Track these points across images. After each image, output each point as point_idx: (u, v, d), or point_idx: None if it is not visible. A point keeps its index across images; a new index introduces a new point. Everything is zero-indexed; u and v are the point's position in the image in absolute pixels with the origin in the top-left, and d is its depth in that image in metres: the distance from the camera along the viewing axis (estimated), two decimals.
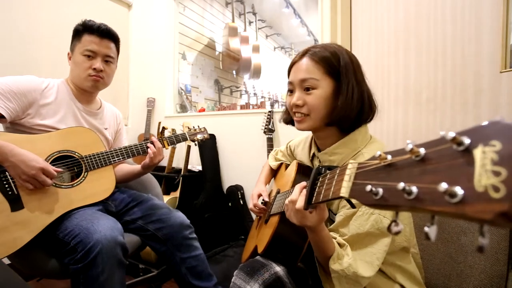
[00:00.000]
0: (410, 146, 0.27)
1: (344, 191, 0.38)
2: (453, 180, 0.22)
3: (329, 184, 0.46)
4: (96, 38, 1.12)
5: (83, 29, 1.12)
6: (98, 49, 1.12)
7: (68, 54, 1.17)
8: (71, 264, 0.91)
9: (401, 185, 0.26)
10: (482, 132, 0.22)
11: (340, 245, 0.68)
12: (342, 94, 0.75)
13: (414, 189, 0.25)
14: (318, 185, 0.52)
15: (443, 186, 0.22)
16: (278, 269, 0.74)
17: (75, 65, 1.13)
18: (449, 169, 0.23)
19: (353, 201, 0.48)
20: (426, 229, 0.25)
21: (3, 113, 0.97)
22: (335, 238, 0.69)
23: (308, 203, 0.54)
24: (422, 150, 0.26)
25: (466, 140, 0.22)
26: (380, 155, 0.31)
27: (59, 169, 1.00)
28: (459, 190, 0.21)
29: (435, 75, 1.45)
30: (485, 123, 0.22)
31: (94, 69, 1.12)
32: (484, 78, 1.31)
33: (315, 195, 0.52)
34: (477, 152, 0.21)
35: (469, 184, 0.21)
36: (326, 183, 0.48)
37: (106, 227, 0.93)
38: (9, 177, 0.93)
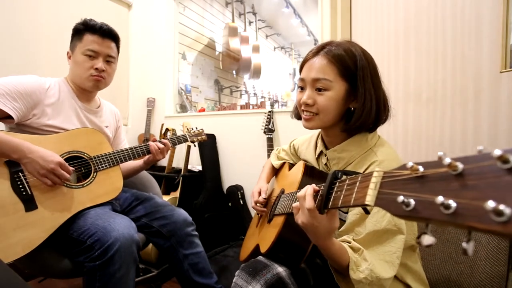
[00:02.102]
0: (448, 160, 0.27)
1: (370, 199, 0.37)
2: (499, 198, 0.22)
3: (349, 190, 0.45)
4: (98, 38, 1.11)
5: (85, 28, 1.11)
6: (100, 49, 1.12)
7: (68, 53, 1.16)
8: (87, 262, 0.93)
9: (440, 198, 0.26)
10: None
11: (355, 249, 0.66)
12: (359, 100, 0.73)
13: (453, 203, 0.25)
14: (335, 189, 0.51)
15: (490, 204, 0.22)
16: (281, 269, 0.74)
17: (76, 64, 1.13)
18: (493, 186, 0.23)
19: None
20: (464, 245, 0.25)
21: (11, 114, 0.98)
22: (349, 243, 0.68)
23: (324, 207, 0.53)
24: (460, 165, 0.26)
25: None
26: (412, 166, 0.31)
27: (72, 168, 1.01)
28: (505, 209, 0.21)
29: (435, 75, 1.45)
30: None
31: (96, 69, 1.12)
32: (484, 78, 1.32)
33: (331, 199, 0.51)
34: None
35: None
36: (346, 188, 0.47)
37: (123, 226, 0.96)
38: (22, 177, 0.94)
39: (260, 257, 0.80)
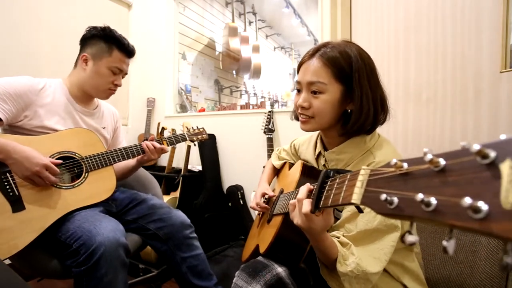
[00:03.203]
0: (429, 156, 0.26)
1: (356, 198, 0.37)
2: (477, 195, 0.21)
3: (338, 189, 0.45)
4: (125, 57, 1.19)
5: (114, 42, 1.15)
6: (125, 68, 1.20)
7: (84, 56, 1.15)
8: (74, 266, 0.92)
9: (420, 196, 0.25)
10: (510, 145, 0.21)
11: (343, 244, 0.67)
12: (356, 103, 0.73)
13: (433, 201, 0.24)
14: (326, 188, 0.51)
15: (467, 201, 0.21)
16: (280, 270, 0.74)
17: (98, 75, 1.15)
18: (472, 182, 0.22)
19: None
20: (444, 243, 0.24)
21: (0, 115, 0.97)
22: (338, 238, 0.68)
23: (316, 206, 0.53)
24: (442, 161, 0.25)
25: (492, 153, 0.21)
26: (396, 163, 0.30)
27: (58, 167, 1.00)
28: (483, 206, 0.21)
29: (435, 75, 1.45)
30: None
31: (116, 85, 1.19)
32: (484, 78, 1.31)
33: (323, 198, 0.52)
34: (504, 167, 0.20)
35: (495, 200, 0.20)
36: (336, 187, 0.47)
37: (108, 229, 0.93)
38: (9, 178, 0.93)
39: (259, 258, 0.80)
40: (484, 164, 0.22)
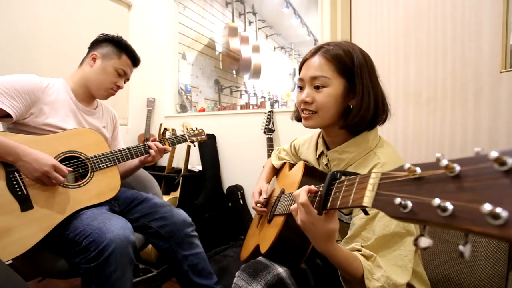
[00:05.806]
0: (445, 162, 0.26)
1: (367, 201, 0.37)
2: (495, 201, 0.21)
3: (347, 191, 0.45)
4: (131, 64, 1.27)
5: (124, 48, 1.23)
6: (129, 73, 1.27)
7: (93, 55, 1.20)
8: (83, 263, 0.93)
9: (437, 201, 0.25)
10: None
11: (367, 257, 0.64)
12: (357, 96, 0.74)
13: (449, 206, 0.24)
14: (334, 190, 0.51)
15: (487, 207, 0.21)
16: (281, 270, 0.74)
17: (104, 72, 1.19)
18: (490, 189, 0.22)
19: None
20: (461, 248, 0.25)
21: (10, 112, 0.98)
22: (360, 251, 0.66)
23: (323, 208, 0.52)
24: (457, 167, 0.26)
25: (510, 160, 0.22)
26: (409, 167, 0.31)
27: (69, 169, 1.01)
28: (502, 212, 0.21)
29: (435, 75, 1.45)
30: None
31: (118, 86, 1.24)
32: (484, 78, 1.31)
33: (330, 200, 0.51)
34: None
35: None
36: (344, 189, 0.47)
37: (118, 227, 0.95)
38: (18, 177, 0.94)
39: (260, 258, 0.80)
40: (502, 171, 0.22)
